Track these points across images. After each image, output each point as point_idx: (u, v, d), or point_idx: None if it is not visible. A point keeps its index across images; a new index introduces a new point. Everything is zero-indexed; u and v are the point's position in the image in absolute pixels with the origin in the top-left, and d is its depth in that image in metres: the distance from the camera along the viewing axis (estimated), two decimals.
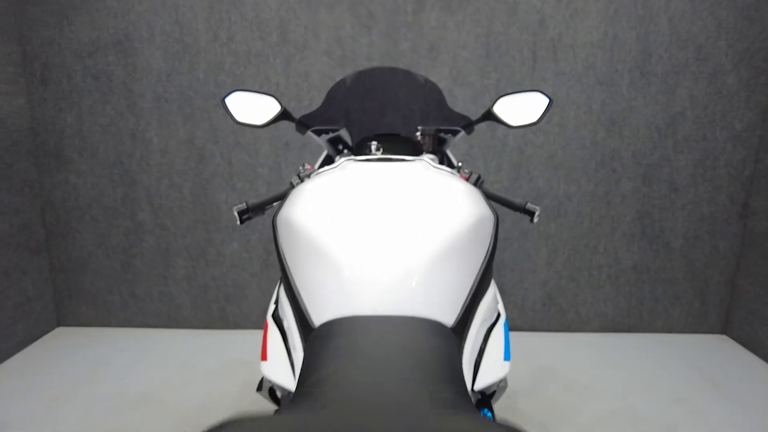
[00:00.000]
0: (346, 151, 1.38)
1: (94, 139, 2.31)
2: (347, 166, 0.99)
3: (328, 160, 1.42)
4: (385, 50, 2.21)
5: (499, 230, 2.40)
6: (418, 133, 1.24)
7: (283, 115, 1.27)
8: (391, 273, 0.71)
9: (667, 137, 2.30)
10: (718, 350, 2.34)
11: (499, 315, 0.95)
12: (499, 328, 0.90)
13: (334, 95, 1.43)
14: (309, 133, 1.32)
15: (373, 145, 1.21)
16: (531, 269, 2.43)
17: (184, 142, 2.31)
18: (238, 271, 2.43)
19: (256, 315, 2.48)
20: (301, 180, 1.15)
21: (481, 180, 1.16)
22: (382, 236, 0.75)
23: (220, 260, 2.42)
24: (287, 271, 0.84)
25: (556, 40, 2.21)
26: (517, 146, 2.31)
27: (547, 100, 1.23)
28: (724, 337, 2.47)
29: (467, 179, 1.16)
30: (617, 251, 2.41)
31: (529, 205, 1.14)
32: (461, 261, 0.78)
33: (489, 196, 1.16)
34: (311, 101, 2.26)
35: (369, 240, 0.75)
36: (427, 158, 1.13)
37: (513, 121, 1.25)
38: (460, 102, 2.25)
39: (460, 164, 1.22)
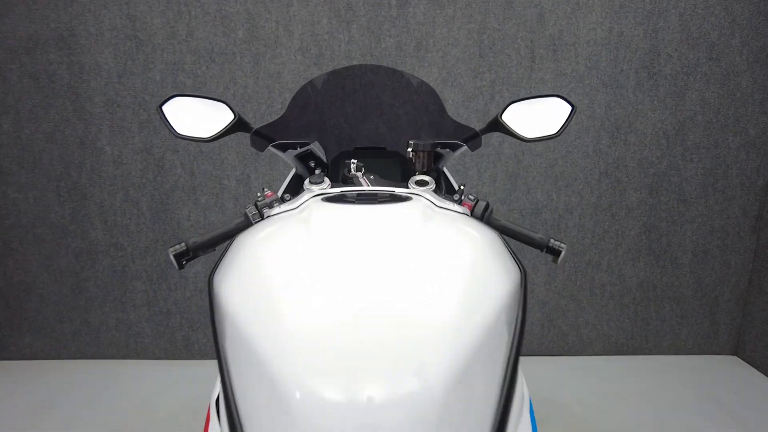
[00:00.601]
0: (318, 171, 1.14)
1: (37, 148, 2.03)
2: (313, 213, 0.73)
3: (297, 181, 1.18)
4: (367, 48, 1.97)
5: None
6: (410, 149, 1.01)
7: (238, 125, 1.03)
8: (382, 413, 0.45)
9: (676, 144, 2.10)
10: (729, 373, 2.18)
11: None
12: (526, 423, 0.66)
13: (303, 100, 1.19)
14: (270, 149, 1.08)
15: (353, 164, 0.98)
16: (528, 289, 2.22)
17: (140, 152, 2.04)
18: (203, 296, 2.18)
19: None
20: (259, 211, 0.91)
21: (489, 210, 0.94)
22: (364, 354, 0.47)
23: (184, 284, 2.16)
24: (223, 365, 0.60)
25: (556, 38, 1.99)
26: (514, 155, 2.09)
27: (568, 108, 1.02)
28: (734, 358, 2.30)
29: (473, 208, 0.93)
30: (621, 268, 2.22)
31: (554, 242, 0.92)
32: (486, 366, 0.53)
33: (502, 230, 0.94)
34: (284, 105, 2.01)
35: (341, 362, 0.47)
36: (427, 194, 0.89)
37: (527, 132, 1.03)
38: (450, 106, 2.03)
39: (462, 187, 0.99)
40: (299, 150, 1.08)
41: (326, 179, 0.94)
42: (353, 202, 0.77)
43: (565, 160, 2.10)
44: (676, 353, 2.31)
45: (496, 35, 1.98)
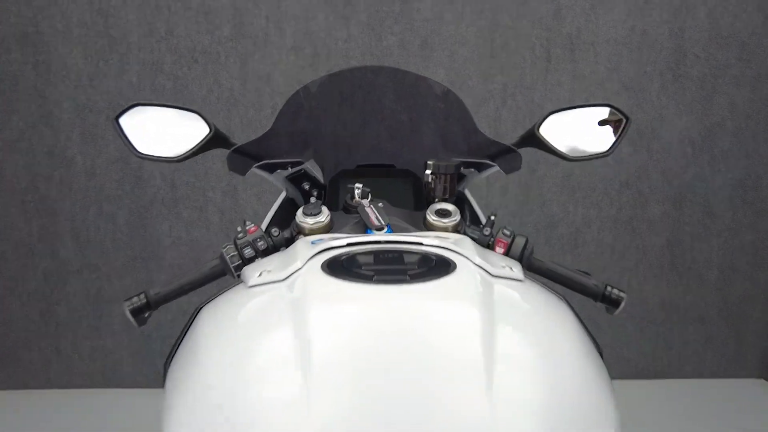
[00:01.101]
0: (314, 197, 0.95)
1: None
2: (311, 304, 0.49)
3: (288, 207, 0.99)
4: (367, 47, 1.78)
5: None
6: (429, 171, 0.81)
7: (214, 141, 0.83)
8: None
9: (703, 152, 1.94)
10: (757, 397, 2.04)
11: None
12: None
13: (295, 110, 0.99)
14: (254, 171, 0.89)
15: (357, 189, 0.79)
16: None
17: (116, 161, 1.85)
18: (186, 319, 1.98)
19: None
20: (239, 253, 0.72)
21: (530, 249, 0.75)
22: None
23: (165, 306, 1.95)
24: None
25: (573, 36, 1.82)
26: (527, 164, 1.90)
27: (621, 120, 0.84)
28: (762, 381, 2.15)
29: (508, 247, 0.74)
30: (642, 286, 2.06)
31: (611, 290, 0.75)
32: None
33: (548, 275, 0.75)
34: (274, 110, 1.82)
35: None
36: (467, 247, 0.62)
37: (569, 149, 0.85)
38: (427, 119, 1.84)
39: (492, 217, 0.80)
40: (290, 170, 0.89)
41: (324, 210, 0.75)
42: (370, 278, 0.52)
43: (583, 169, 1.93)
44: (700, 377, 2.15)
45: (509, 33, 1.80)
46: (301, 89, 0.96)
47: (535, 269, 0.76)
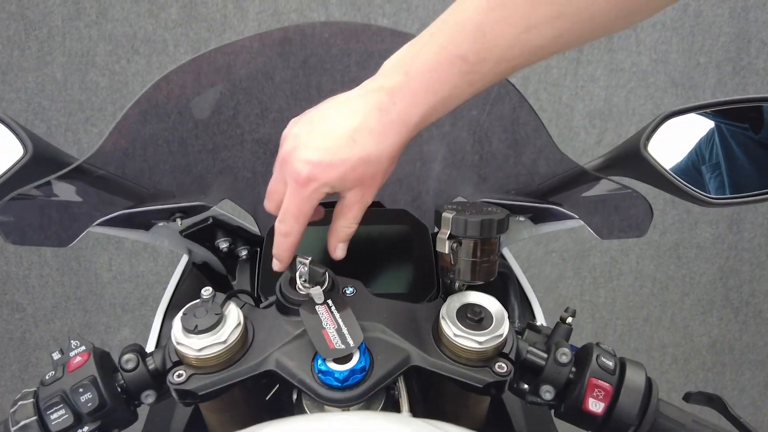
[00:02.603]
0: (244, 254, 0.59)
1: None
2: None
3: (198, 278, 0.63)
4: None
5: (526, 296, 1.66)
6: (443, 234, 0.42)
7: (38, 163, 0.46)
8: None
9: None
10: None
11: None
12: None
13: (158, 113, 0.63)
14: (97, 230, 0.52)
15: (302, 265, 0.41)
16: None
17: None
18: None
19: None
20: (40, 416, 0.36)
21: (656, 394, 0.40)
22: None
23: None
24: None
25: None
26: None
27: None
28: None
29: (613, 398, 0.39)
30: (689, 324, 1.73)
31: None
32: None
33: None
34: (236, 111, 1.45)
35: None
36: None
37: (699, 181, 0.49)
38: (464, 112, 1.49)
39: (570, 319, 0.45)
40: (180, 223, 0.53)
41: (230, 314, 0.38)
42: None
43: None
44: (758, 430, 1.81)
45: None
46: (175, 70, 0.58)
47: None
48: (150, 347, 0.56)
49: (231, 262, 0.59)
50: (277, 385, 0.45)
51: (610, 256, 1.64)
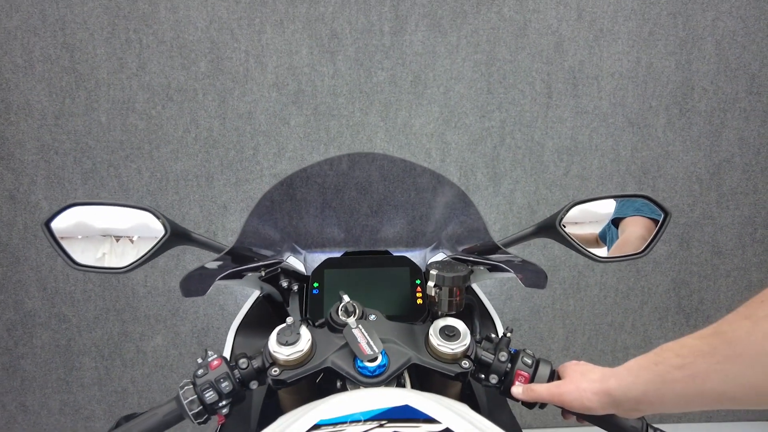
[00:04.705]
0: (295, 288, 0.83)
1: None
2: None
3: (265, 305, 0.87)
4: (355, 83, 1.66)
5: (506, 308, 1.90)
6: (432, 283, 0.68)
7: (173, 241, 0.71)
8: None
9: (711, 189, 1.84)
10: None
11: None
12: None
13: (266, 210, 0.87)
14: (219, 283, 0.75)
15: (343, 302, 0.67)
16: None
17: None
18: (165, 372, 1.85)
19: (190, 426, 1.90)
20: (199, 397, 0.60)
21: (556, 377, 0.64)
22: None
23: (141, 359, 1.82)
24: None
25: (576, 70, 1.71)
26: (527, 204, 1.80)
27: (659, 214, 0.74)
28: None
29: (531, 379, 0.63)
30: (647, 328, 1.95)
31: (657, 430, 0.65)
32: None
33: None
34: (256, 150, 1.69)
35: None
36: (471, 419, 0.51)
37: (598, 246, 0.74)
38: (454, 150, 1.73)
39: (509, 334, 0.69)
40: (263, 273, 0.77)
41: (303, 334, 0.62)
42: None
43: None
44: (708, 420, 2.05)
45: (507, 67, 1.68)
46: (271, 191, 0.84)
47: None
48: (226, 352, 0.80)
49: (286, 294, 0.82)
50: (322, 374, 0.69)
51: (577, 270, 1.88)
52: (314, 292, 0.79)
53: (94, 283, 1.76)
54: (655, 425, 0.64)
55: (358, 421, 0.45)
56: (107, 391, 1.85)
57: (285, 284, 0.80)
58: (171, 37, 1.60)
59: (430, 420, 0.45)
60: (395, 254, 0.87)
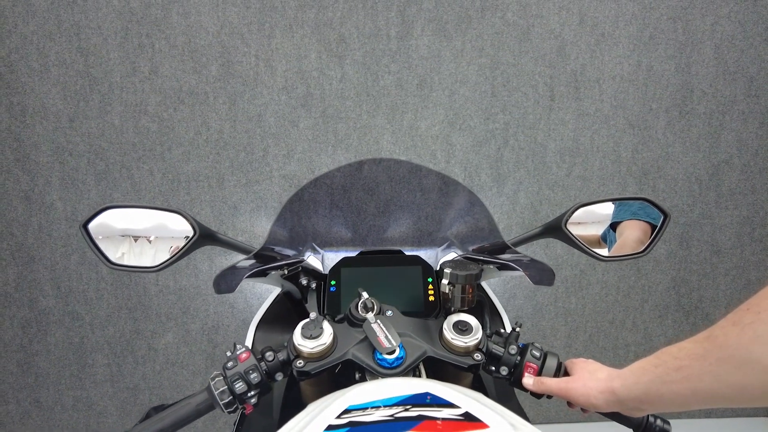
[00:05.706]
0: (313, 285, 0.87)
1: None
2: None
3: (285, 301, 0.91)
4: (362, 86, 1.70)
5: (510, 306, 1.94)
6: (446, 280, 0.72)
7: (201, 241, 0.76)
8: None
9: (710, 190, 1.87)
10: None
11: None
12: None
13: (292, 213, 0.92)
14: (246, 282, 0.79)
15: (362, 298, 0.71)
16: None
17: (98, 207, 1.74)
18: (175, 369, 1.89)
19: (201, 421, 1.94)
20: (230, 388, 0.64)
21: (563, 370, 0.68)
22: None
23: (152, 356, 1.87)
24: None
25: (578, 73, 1.75)
26: (530, 204, 1.84)
27: (658, 216, 0.78)
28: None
29: (539, 372, 0.67)
30: (648, 326, 1.99)
31: (657, 422, 0.70)
32: None
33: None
34: (266, 152, 1.73)
35: None
36: (491, 410, 0.52)
37: (600, 246, 0.78)
38: (459, 152, 1.77)
39: (518, 329, 0.73)
40: (286, 272, 0.80)
41: (325, 328, 0.66)
42: None
43: None
44: (708, 416, 2.09)
45: (511, 71, 1.72)
46: (295, 195, 0.89)
47: None
48: (248, 343, 0.84)
49: (305, 291, 0.86)
50: (339, 365, 0.72)
51: (579, 269, 1.92)
52: (332, 289, 0.83)
53: (107, 282, 1.80)
54: (656, 414, 0.68)
55: (385, 406, 0.49)
56: (119, 388, 1.89)
57: (305, 282, 0.84)
58: (183, 42, 1.64)
59: (449, 405, 0.49)
60: (408, 253, 0.91)
